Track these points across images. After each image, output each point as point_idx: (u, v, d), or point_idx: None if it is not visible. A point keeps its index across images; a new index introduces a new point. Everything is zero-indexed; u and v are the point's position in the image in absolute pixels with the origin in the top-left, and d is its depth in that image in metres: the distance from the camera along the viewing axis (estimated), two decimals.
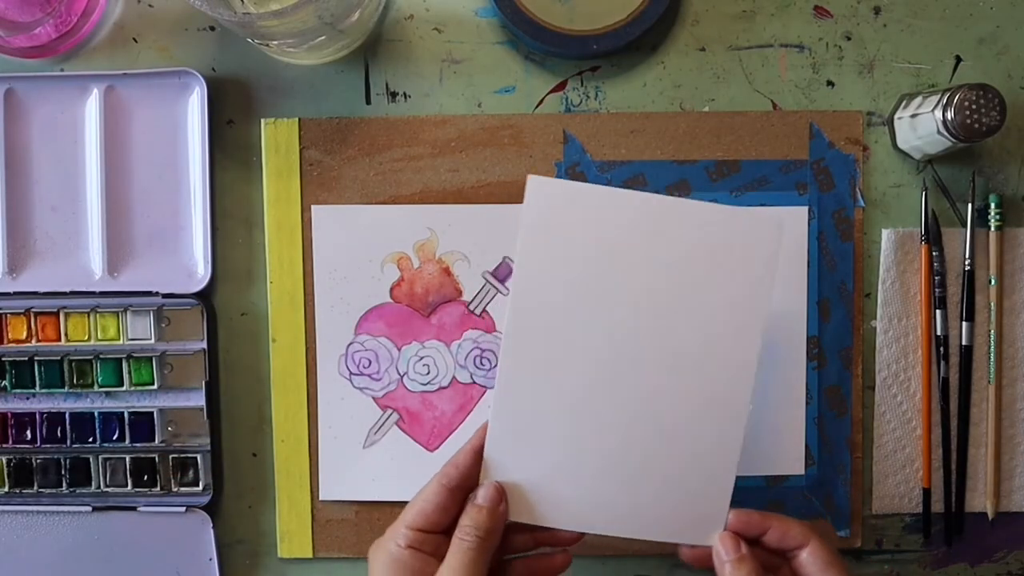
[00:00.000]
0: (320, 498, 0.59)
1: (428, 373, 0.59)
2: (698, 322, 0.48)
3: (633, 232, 0.48)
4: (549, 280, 0.48)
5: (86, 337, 0.59)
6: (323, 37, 0.54)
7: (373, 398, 0.59)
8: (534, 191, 0.48)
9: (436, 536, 0.47)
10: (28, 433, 0.59)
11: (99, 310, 0.58)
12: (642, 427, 0.48)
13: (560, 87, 0.59)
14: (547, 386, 0.48)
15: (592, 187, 0.48)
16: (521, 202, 0.57)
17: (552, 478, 0.48)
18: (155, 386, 0.58)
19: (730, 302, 0.48)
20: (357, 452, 0.59)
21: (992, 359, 0.58)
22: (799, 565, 0.47)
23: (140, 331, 0.58)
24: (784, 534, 0.47)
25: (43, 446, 0.59)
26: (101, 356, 0.58)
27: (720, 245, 0.48)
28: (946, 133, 0.52)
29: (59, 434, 0.59)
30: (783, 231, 0.48)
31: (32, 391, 0.59)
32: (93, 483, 0.59)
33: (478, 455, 0.48)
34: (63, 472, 0.59)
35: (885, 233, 0.58)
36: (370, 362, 0.58)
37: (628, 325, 0.48)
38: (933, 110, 0.53)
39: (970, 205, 0.57)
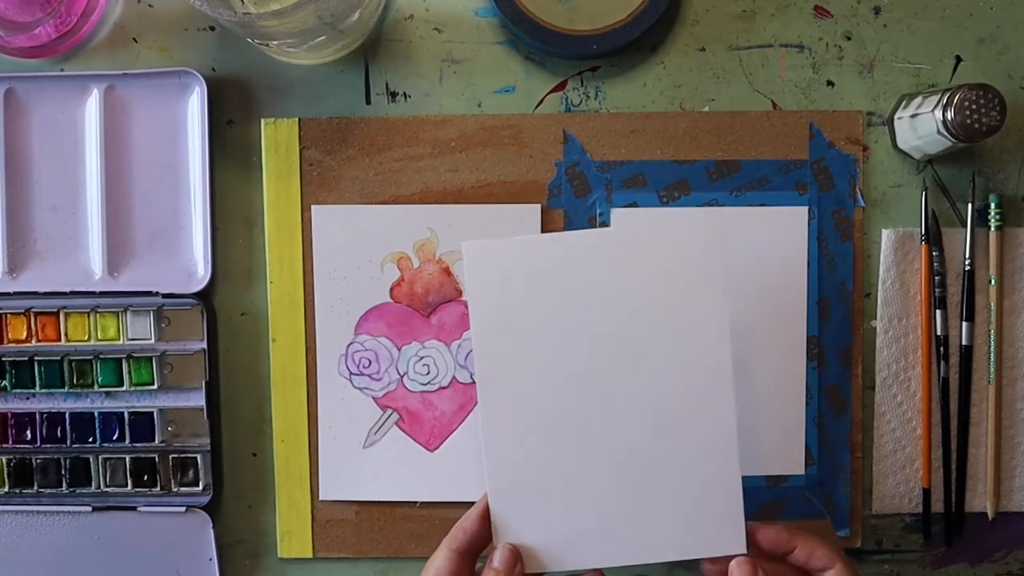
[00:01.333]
0: (320, 498, 0.59)
1: (428, 373, 0.59)
2: (664, 340, 0.48)
3: (579, 271, 0.49)
4: (509, 336, 0.49)
5: (86, 337, 0.59)
6: (323, 37, 0.54)
7: (373, 398, 0.59)
8: (471, 256, 0.49)
9: None
10: (28, 433, 0.59)
11: (99, 310, 0.58)
12: (635, 452, 0.49)
13: (560, 87, 0.59)
14: (533, 437, 0.49)
15: (527, 238, 0.49)
16: (521, 203, 0.58)
17: (562, 524, 0.49)
18: (155, 386, 0.58)
19: (689, 313, 0.48)
20: (357, 452, 0.59)
21: (992, 359, 0.58)
22: None
23: (140, 331, 0.58)
24: (810, 555, 0.48)
25: (43, 446, 0.59)
26: (101, 356, 0.58)
27: (661, 263, 0.49)
28: (946, 133, 0.52)
29: (59, 434, 0.59)
30: (711, 236, 0.48)
31: (32, 391, 0.59)
32: (93, 483, 0.59)
33: (485, 519, 0.49)
34: (63, 472, 0.59)
35: (885, 233, 0.58)
36: (370, 362, 0.58)
37: (597, 360, 0.49)
38: (933, 110, 0.53)
39: (970, 205, 0.57)
